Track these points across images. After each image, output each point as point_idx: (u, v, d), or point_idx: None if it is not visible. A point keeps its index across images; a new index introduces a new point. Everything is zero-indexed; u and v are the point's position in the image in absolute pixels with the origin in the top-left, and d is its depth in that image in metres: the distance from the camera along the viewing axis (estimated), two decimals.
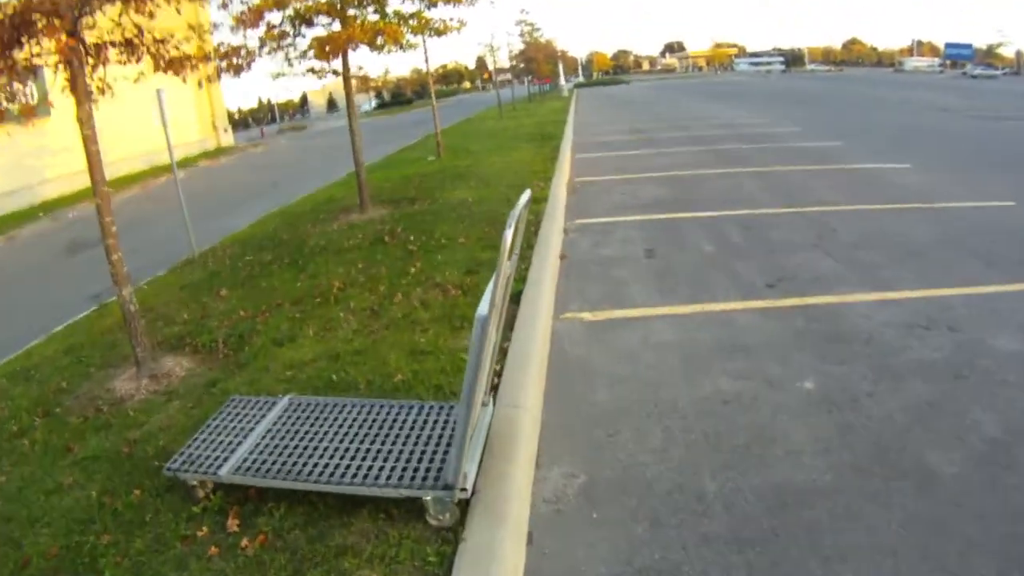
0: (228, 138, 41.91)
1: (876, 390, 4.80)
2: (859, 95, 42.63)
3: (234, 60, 12.10)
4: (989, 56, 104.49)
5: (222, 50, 11.83)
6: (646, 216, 10.41)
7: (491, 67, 54.40)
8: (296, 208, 14.56)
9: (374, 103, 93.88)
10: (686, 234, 9.31)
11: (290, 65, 12.12)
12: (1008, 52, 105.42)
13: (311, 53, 11.42)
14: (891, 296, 6.63)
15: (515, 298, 6.72)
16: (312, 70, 12.16)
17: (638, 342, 5.92)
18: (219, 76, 11.96)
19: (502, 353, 5.41)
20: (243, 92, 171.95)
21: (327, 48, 11.17)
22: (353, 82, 12.39)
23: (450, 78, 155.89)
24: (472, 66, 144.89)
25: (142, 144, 28.12)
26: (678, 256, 8.35)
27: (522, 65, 63.30)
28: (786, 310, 6.43)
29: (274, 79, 12.61)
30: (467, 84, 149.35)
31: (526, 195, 3.64)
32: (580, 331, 6.28)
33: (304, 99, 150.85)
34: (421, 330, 6.27)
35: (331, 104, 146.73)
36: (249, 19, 11.58)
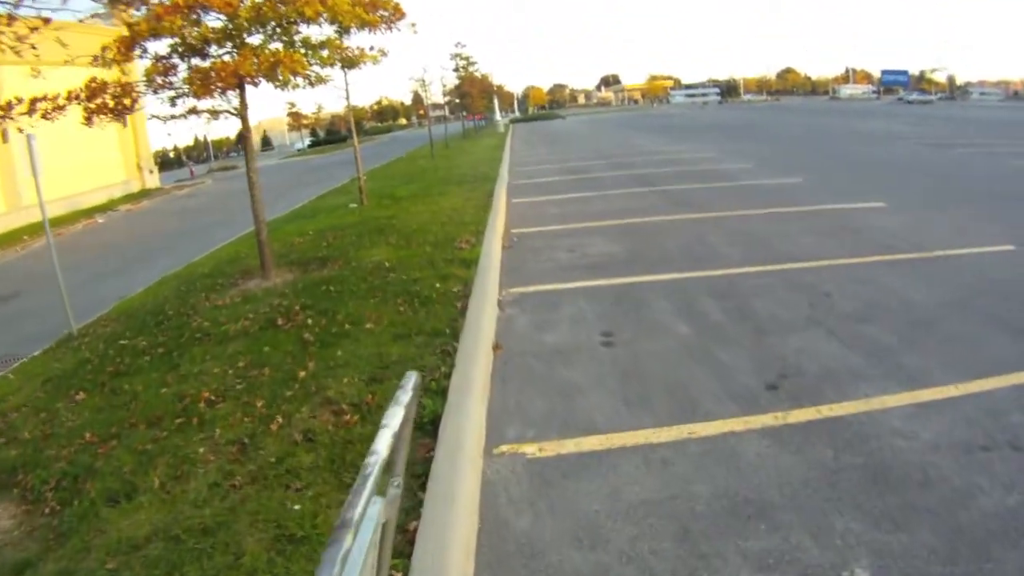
0: (154, 179, 40.64)
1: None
2: (802, 125, 42.13)
3: (107, 100, 10.10)
4: (922, 82, 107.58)
5: (92, 87, 9.88)
6: (597, 281, 8.67)
7: (425, 102, 52.85)
8: (198, 268, 12.57)
9: (307, 141, 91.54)
10: (650, 307, 7.61)
11: (172, 104, 10.11)
12: (941, 77, 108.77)
13: (188, 89, 9.43)
14: (925, 396, 5.11)
15: (431, 425, 4.88)
16: (194, 110, 10.10)
17: (604, 501, 4.10)
18: (88, 121, 9.98)
19: (403, 540, 3.54)
20: (182, 127, 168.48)
21: (212, 82, 9.19)
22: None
23: (385, 114, 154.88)
24: (408, 102, 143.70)
25: (66, 185, 26.94)
26: (645, 343, 6.61)
27: (457, 100, 62.05)
28: (803, 430, 4.76)
29: (163, 122, 10.40)
30: (403, 120, 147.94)
31: (409, 383, 1.84)
32: (521, 480, 4.43)
33: (240, 136, 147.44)
34: (297, 489, 4.38)
35: (265, 142, 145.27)
36: (117, 52, 9.63)
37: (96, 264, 16.59)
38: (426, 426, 4.94)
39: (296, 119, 59.62)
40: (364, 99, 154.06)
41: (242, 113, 10.26)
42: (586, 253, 10.23)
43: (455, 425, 4.78)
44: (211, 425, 5.47)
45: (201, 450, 5.09)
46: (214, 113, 10.57)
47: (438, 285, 8.37)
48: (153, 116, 10.29)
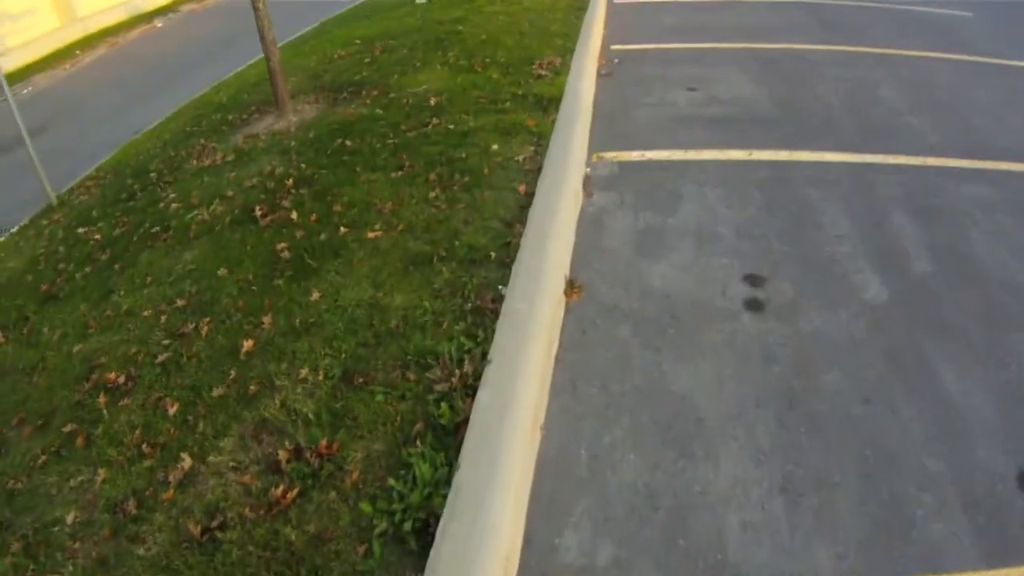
0: None
1: None
2: None
3: None
4: None
5: None
6: (734, 152, 5.78)
7: None
8: (219, 94, 10.20)
9: None
10: (819, 221, 4.78)
11: None
12: None
13: None
14: None
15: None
16: None
17: None
18: None
19: None
20: None
21: None
22: None
23: None
24: None
25: None
26: (815, 316, 3.86)
27: None
28: None
29: None
30: None
31: None
32: None
33: None
34: None
35: None
36: None
37: (135, 82, 14.79)
38: None
39: None
40: None
41: None
42: (714, 96, 7.14)
43: None
44: (98, 451, 3.28)
45: (73, 515, 2.86)
46: None
47: (496, 147, 5.61)
48: None
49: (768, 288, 4.02)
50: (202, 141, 7.94)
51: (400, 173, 5.39)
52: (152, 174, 7.41)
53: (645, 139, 6.00)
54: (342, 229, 4.76)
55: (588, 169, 5.42)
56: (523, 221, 4.39)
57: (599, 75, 7.93)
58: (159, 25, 24.26)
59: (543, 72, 7.54)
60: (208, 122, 8.75)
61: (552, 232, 4.18)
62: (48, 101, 15.35)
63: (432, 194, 4.94)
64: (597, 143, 5.94)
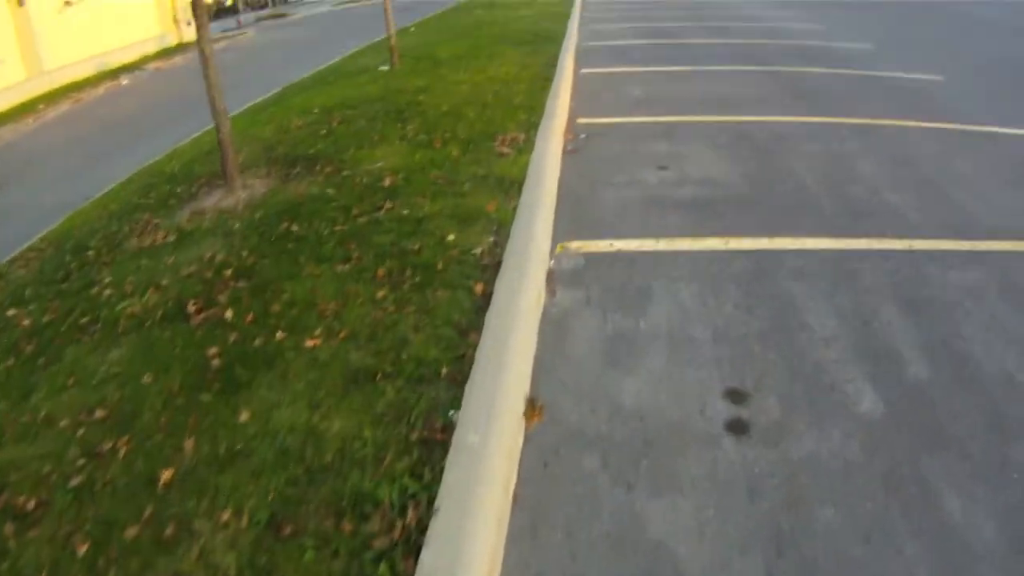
0: (192, 32, 37.13)
1: None
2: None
3: None
4: None
5: None
6: (708, 241, 5.48)
7: None
8: (171, 163, 9.70)
9: None
10: (806, 322, 4.43)
11: None
12: None
13: None
14: None
15: None
16: None
17: None
18: None
19: None
20: None
21: None
22: None
23: None
24: None
25: (92, 44, 25.49)
26: (807, 440, 3.49)
27: None
28: None
29: None
30: None
31: None
32: None
33: None
34: None
35: None
36: None
37: (95, 141, 14.57)
38: None
39: None
40: None
41: None
42: (686, 174, 6.86)
43: None
44: None
45: None
46: None
47: (452, 237, 5.21)
48: None
49: (752, 405, 3.61)
50: (147, 216, 7.48)
51: (347, 267, 4.96)
52: (91, 252, 6.92)
53: (613, 226, 5.65)
54: (279, 334, 4.30)
55: (552, 262, 5.04)
56: (479, 328, 3.96)
57: (565, 152, 7.65)
58: (124, 83, 24.02)
59: (505, 150, 7.22)
60: (157, 193, 8.30)
61: (511, 343, 3.76)
62: (8, 157, 15.05)
63: (380, 294, 4.50)
64: (562, 231, 5.57)
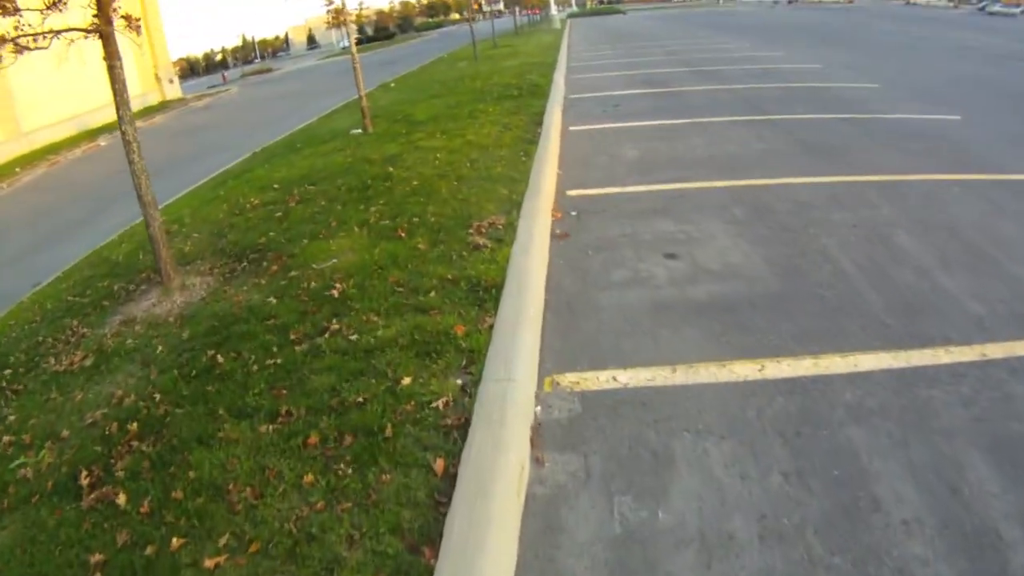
0: (175, 89, 38.39)
1: None
2: (898, 33, 34.39)
3: None
4: None
5: None
6: (741, 367, 4.26)
7: None
8: (113, 251, 8.62)
9: (344, 42, 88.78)
10: (853, 456, 3.15)
11: None
12: None
13: None
14: None
15: None
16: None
17: None
18: None
19: None
20: (229, 30, 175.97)
21: None
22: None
23: (436, 9, 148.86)
24: None
25: (72, 104, 25.84)
26: None
27: None
28: None
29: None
30: (455, 15, 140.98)
31: None
32: None
33: (286, 37, 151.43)
34: None
35: (311, 40, 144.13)
36: None
37: (63, 213, 13.98)
38: None
39: (336, 16, 54.38)
40: None
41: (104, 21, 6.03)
42: (700, 266, 5.71)
43: None
44: None
45: None
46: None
47: (407, 380, 4.02)
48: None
49: None
50: (75, 323, 6.35)
51: (271, 428, 3.76)
52: (8, 371, 5.75)
53: (616, 348, 4.47)
54: (174, 540, 3.09)
55: (538, 409, 3.84)
56: (436, 540, 2.76)
57: (553, 235, 6.53)
58: (102, 144, 23.39)
59: (482, 240, 6.09)
60: (93, 291, 7.20)
61: (479, 565, 2.56)
62: None
63: (308, 478, 3.30)
64: (551, 358, 4.39)
